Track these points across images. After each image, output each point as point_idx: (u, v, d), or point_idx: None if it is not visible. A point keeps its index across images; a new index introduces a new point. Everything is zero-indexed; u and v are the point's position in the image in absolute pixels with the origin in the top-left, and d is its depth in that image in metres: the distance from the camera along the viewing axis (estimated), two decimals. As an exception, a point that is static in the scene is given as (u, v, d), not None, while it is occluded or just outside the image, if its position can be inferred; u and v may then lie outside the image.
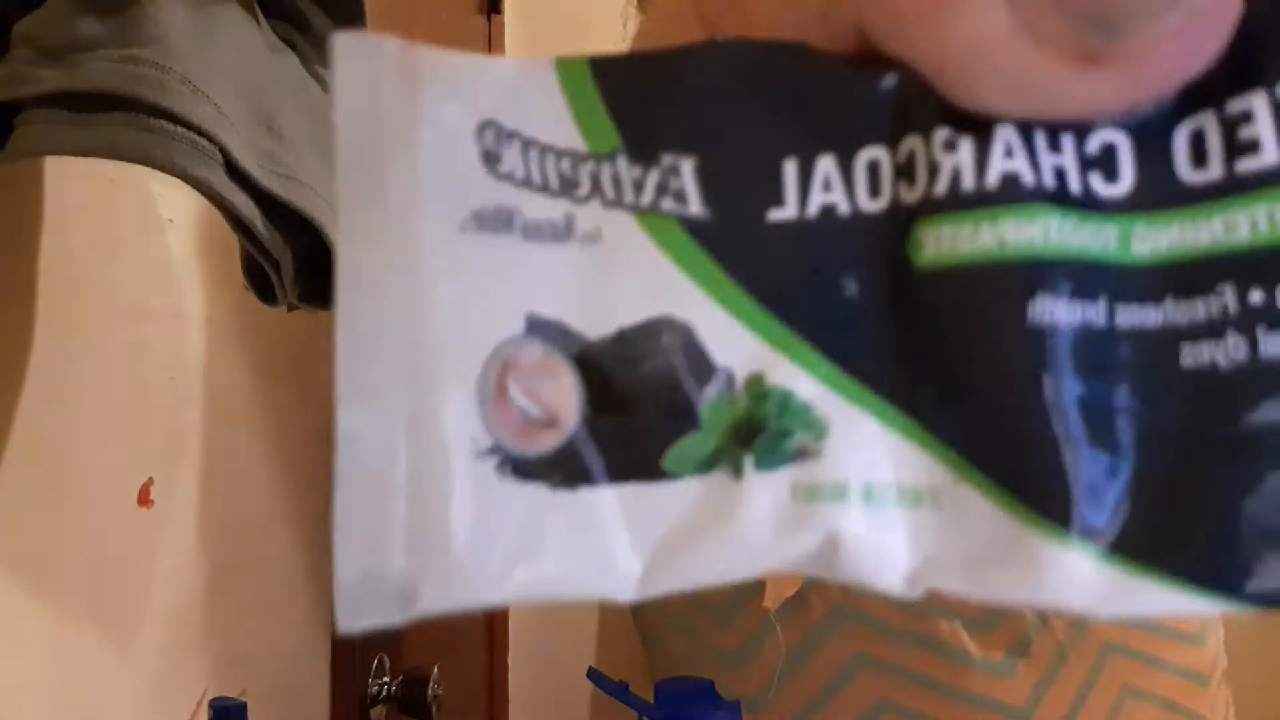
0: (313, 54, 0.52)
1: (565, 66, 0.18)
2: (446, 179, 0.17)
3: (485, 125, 0.17)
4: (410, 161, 0.17)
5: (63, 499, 0.50)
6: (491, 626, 1.03)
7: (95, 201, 0.52)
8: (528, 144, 0.17)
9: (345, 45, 0.17)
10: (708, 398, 0.17)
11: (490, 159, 0.17)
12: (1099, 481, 0.16)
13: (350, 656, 0.74)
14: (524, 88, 0.18)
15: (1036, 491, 0.16)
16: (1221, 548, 0.15)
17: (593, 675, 0.75)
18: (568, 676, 1.04)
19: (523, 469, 0.17)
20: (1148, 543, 0.16)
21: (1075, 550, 0.16)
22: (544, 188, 0.17)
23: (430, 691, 0.77)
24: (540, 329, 0.17)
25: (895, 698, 0.90)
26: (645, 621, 1.07)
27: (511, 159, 0.17)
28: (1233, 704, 0.97)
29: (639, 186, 0.17)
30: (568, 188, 0.17)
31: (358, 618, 0.16)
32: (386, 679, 0.77)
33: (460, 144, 0.17)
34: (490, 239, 0.17)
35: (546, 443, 0.17)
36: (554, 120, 0.17)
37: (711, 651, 0.97)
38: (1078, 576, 0.16)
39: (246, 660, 0.64)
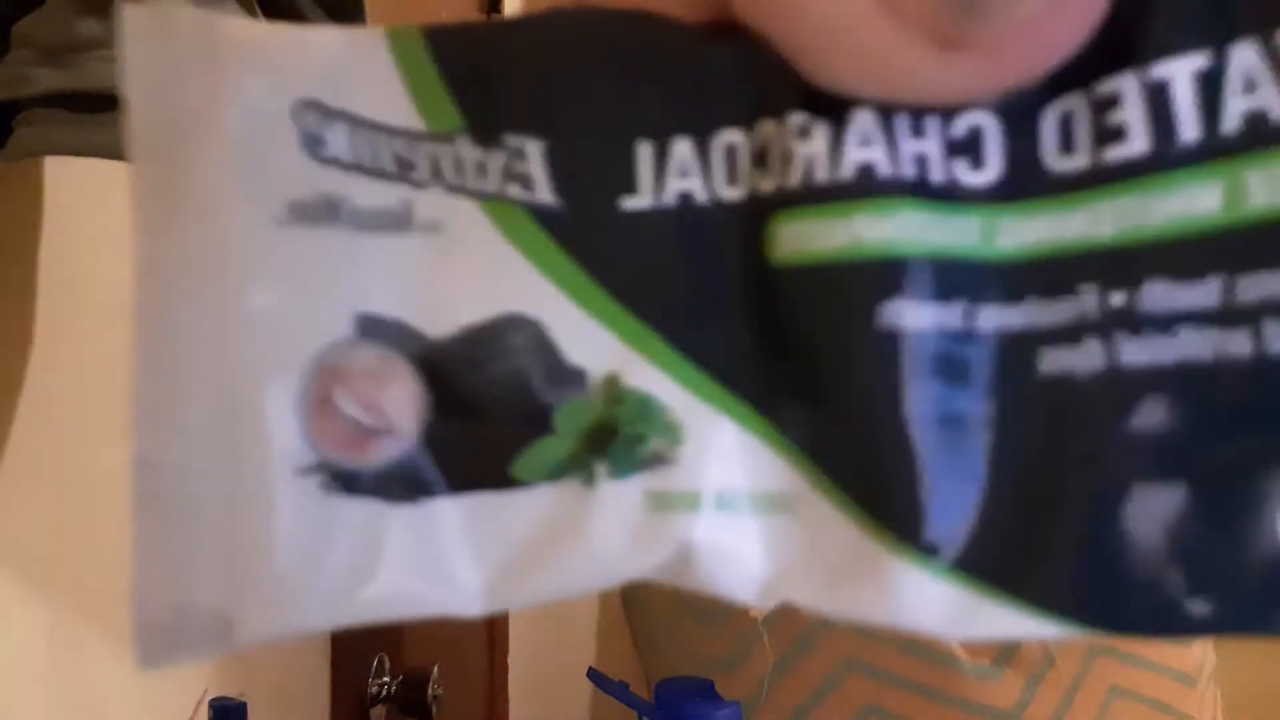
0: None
1: (399, 37, 0.16)
2: (259, 167, 0.15)
3: (305, 104, 0.16)
4: (215, 148, 0.15)
5: (63, 499, 0.50)
6: (492, 626, 1.03)
7: (95, 201, 0.52)
8: (357, 124, 0.16)
9: (134, 20, 0.15)
10: (561, 401, 0.16)
11: (311, 142, 0.15)
12: (950, 495, 0.14)
13: (350, 656, 0.74)
14: (352, 61, 0.16)
15: (885, 505, 0.15)
16: (1073, 571, 0.14)
17: (593, 675, 0.75)
18: (568, 676, 1.04)
19: (353, 484, 0.15)
20: (996, 562, 0.14)
21: (919, 567, 0.14)
22: (377, 171, 0.16)
23: (430, 691, 0.77)
24: (374, 330, 0.15)
25: (883, 702, 0.90)
26: (636, 624, 1.07)
27: (337, 141, 0.16)
28: (1221, 702, 0.97)
29: (483, 170, 0.16)
30: (404, 171, 0.16)
31: (161, 655, 0.15)
32: (386, 679, 0.77)
33: (274, 126, 0.15)
34: (311, 232, 0.15)
35: (382, 453, 0.15)
36: (387, 97, 0.16)
37: (702, 656, 0.97)
38: (922, 595, 0.15)
39: (246, 660, 0.64)
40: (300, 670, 0.71)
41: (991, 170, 0.15)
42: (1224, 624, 0.14)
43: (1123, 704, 0.89)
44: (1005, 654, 0.88)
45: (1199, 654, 0.93)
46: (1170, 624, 0.14)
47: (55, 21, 0.39)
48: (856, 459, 0.15)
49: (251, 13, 0.48)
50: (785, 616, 0.92)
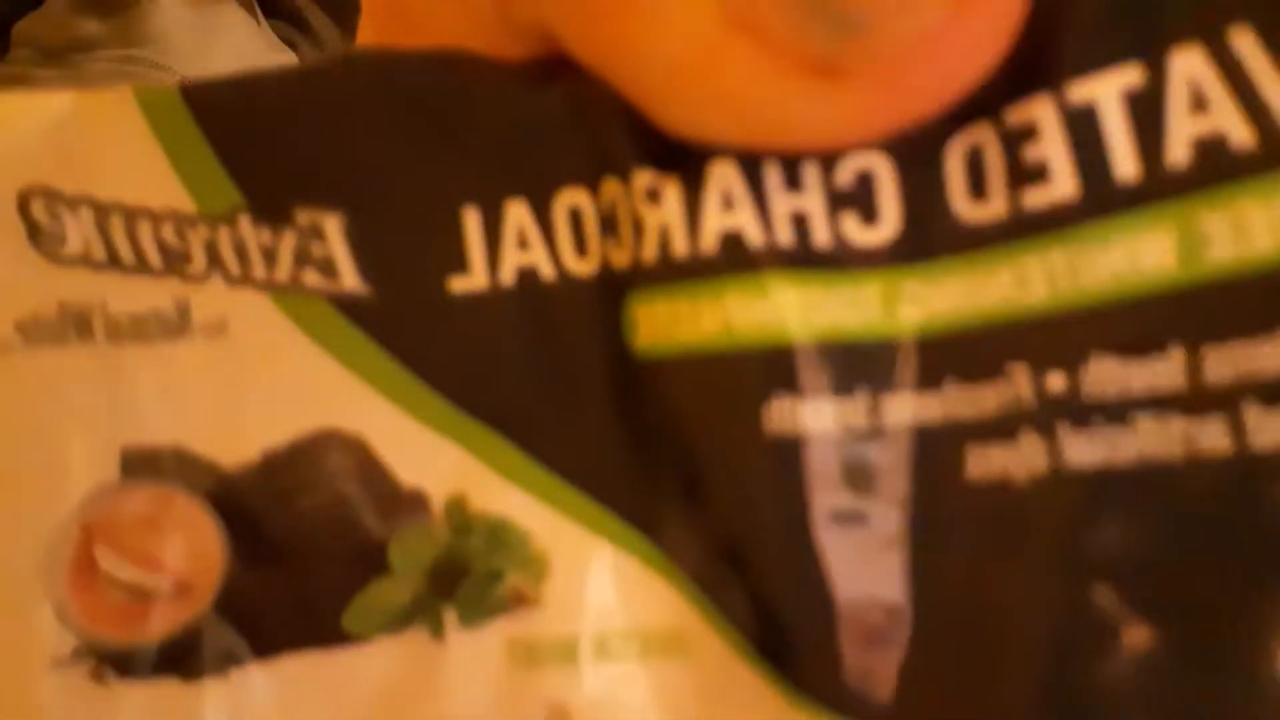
0: (313, 54, 0.52)
1: (151, 99, 0.13)
2: None
3: (31, 194, 0.13)
4: None
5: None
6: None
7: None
8: (106, 210, 0.13)
9: None
10: (397, 531, 0.13)
11: (44, 240, 0.13)
12: (874, 644, 0.12)
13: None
14: (95, 131, 0.13)
15: (792, 655, 0.12)
16: None
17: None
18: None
19: (132, 664, 0.13)
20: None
21: None
22: (140, 266, 0.13)
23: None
24: (146, 465, 0.13)
25: None
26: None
27: (81, 234, 0.13)
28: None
29: (271, 256, 0.13)
30: (175, 263, 0.13)
31: None
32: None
33: None
34: (53, 355, 0.13)
35: (170, 621, 0.13)
36: (145, 172, 0.13)
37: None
38: None
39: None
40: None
41: (888, 224, 0.12)
42: None
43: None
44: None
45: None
46: None
47: (55, 21, 0.40)
48: (754, 597, 0.12)
49: (251, 12, 0.48)
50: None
